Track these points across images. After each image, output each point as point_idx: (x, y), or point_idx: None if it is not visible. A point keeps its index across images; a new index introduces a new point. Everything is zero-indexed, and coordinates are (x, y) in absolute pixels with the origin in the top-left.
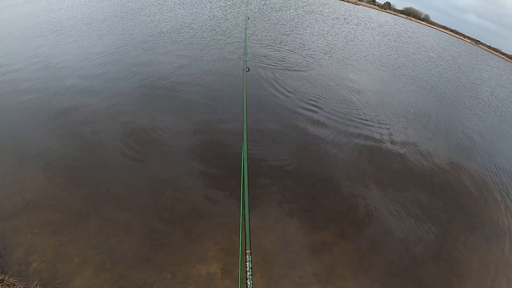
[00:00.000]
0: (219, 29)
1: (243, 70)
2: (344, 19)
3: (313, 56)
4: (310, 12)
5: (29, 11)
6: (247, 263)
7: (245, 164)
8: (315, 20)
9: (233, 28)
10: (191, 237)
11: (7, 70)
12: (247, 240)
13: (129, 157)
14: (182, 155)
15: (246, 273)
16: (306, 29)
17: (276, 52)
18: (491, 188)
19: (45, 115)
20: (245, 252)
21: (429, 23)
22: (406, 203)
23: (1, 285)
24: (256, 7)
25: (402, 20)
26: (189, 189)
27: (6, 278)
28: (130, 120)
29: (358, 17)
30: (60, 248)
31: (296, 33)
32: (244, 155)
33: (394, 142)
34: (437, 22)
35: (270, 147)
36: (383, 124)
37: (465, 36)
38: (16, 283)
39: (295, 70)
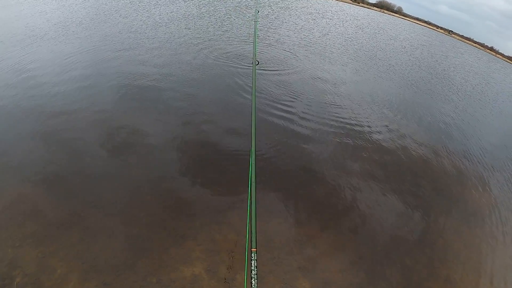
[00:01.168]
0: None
1: (252, 63)
2: (318, 13)
3: (289, 50)
4: (285, 8)
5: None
6: (253, 261)
7: (253, 162)
8: (289, 16)
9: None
10: (173, 239)
11: None
12: (253, 238)
13: (108, 162)
14: (160, 158)
15: (251, 272)
16: (282, 25)
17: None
18: (468, 172)
19: (20, 123)
20: (251, 251)
21: (402, 15)
22: (387, 191)
23: None
24: (232, 6)
25: (375, 13)
26: (168, 191)
27: None
28: (110, 124)
29: (331, 11)
30: (43, 260)
31: (272, 28)
32: (252, 154)
33: (372, 131)
34: (410, 14)
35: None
36: (359, 114)
37: (437, 27)
38: None
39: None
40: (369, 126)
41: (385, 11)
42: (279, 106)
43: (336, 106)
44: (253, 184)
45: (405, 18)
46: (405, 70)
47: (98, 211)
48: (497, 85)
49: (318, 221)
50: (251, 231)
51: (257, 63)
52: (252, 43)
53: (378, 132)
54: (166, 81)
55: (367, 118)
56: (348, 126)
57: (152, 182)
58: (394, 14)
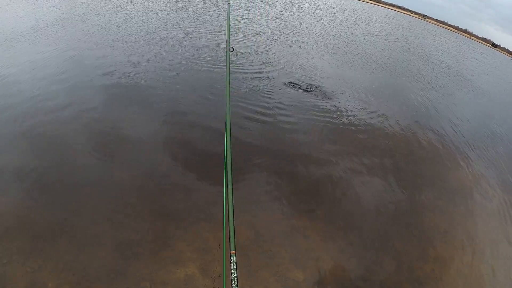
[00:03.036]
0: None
1: (226, 50)
2: (292, 2)
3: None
4: None
5: None
6: (232, 264)
7: (229, 157)
8: (263, 5)
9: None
10: (162, 241)
11: None
12: (231, 240)
13: (89, 167)
14: (143, 159)
15: (231, 274)
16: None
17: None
18: (451, 152)
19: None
20: (230, 253)
21: (376, 2)
22: (373, 175)
23: None
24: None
25: (349, 1)
26: (154, 192)
27: None
28: (89, 125)
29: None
30: (32, 275)
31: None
32: (228, 147)
33: (354, 115)
34: (384, 0)
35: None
36: (340, 99)
37: (412, 12)
38: None
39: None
40: (349, 108)
41: None
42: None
43: (316, 95)
44: (230, 183)
45: (379, 4)
46: (382, 54)
47: (83, 219)
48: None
49: (306, 210)
50: (228, 232)
51: (231, 49)
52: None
53: (361, 117)
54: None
55: (347, 101)
56: (329, 111)
57: (136, 184)
58: (368, 1)
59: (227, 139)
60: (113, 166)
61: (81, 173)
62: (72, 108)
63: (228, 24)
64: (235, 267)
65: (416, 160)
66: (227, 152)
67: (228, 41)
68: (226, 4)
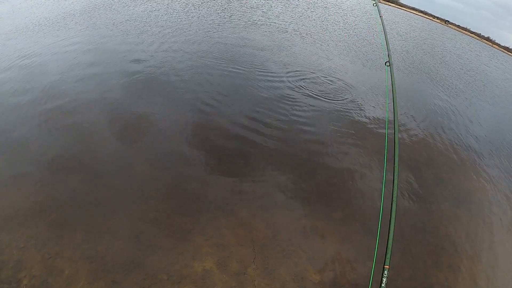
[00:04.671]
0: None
1: (385, 64)
2: (315, 3)
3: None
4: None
5: None
6: (384, 278)
7: (396, 166)
8: (284, 6)
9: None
10: (181, 235)
11: None
12: (388, 255)
13: (110, 159)
14: (165, 150)
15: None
16: (278, 15)
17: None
18: (469, 160)
19: (27, 114)
20: (383, 267)
21: (398, 5)
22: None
23: None
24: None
25: (370, 3)
26: (173, 186)
27: None
28: (116, 113)
29: (326, 1)
30: (49, 261)
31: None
32: (396, 161)
33: (369, 117)
34: (406, 4)
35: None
36: (356, 101)
37: (434, 17)
38: None
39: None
40: (362, 109)
41: (381, 1)
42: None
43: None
44: (395, 197)
45: (401, 8)
46: (402, 58)
47: (102, 209)
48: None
49: (324, 211)
50: (386, 246)
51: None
52: None
53: (377, 120)
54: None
55: (361, 103)
56: (345, 112)
57: (156, 177)
58: (390, 4)
59: (396, 151)
60: (134, 157)
61: (102, 163)
62: (96, 96)
63: (384, 29)
64: (386, 282)
65: (434, 167)
66: (395, 166)
67: (389, 55)
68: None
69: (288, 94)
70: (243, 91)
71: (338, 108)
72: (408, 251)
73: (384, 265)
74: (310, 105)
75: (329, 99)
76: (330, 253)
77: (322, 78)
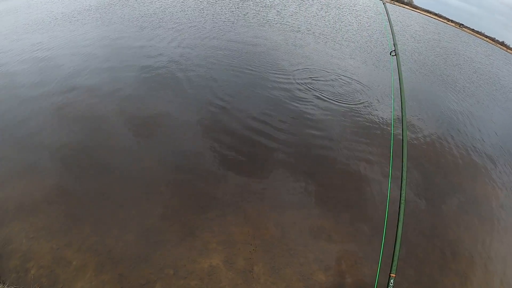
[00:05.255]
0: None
1: (390, 54)
2: (328, 3)
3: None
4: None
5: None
6: (390, 286)
7: (404, 177)
8: (298, 6)
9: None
10: (189, 231)
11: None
12: (394, 263)
13: (121, 153)
14: (177, 147)
15: None
16: (292, 15)
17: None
18: (480, 165)
19: (41, 106)
20: (389, 276)
21: (412, 7)
22: (398, 183)
23: None
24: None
25: (387, 5)
26: (182, 182)
27: (5, 287)
28: (129, 108)
29: (340, 2)
30: (57, 252)
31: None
32: (404, 165)
33: (382, 120)
34: (421, 6)
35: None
36: (368, 103)
37: (448, 20)
38: None
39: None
40: (376, 113)
41: (395, 2)
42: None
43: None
44: (403, 202)
45: (415, 10)
46: (418, 63)
47: (112, 202)
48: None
49: (332, 212)
50: (393, 253)
51: (394, 54)
52: None
53: (387, 121)
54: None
55: (374, 104)
56: (362, 114)
57: (167, 172)
58: (405, 6)
59: (404, 151)
60: (145, 153)
61: (113, 157)
62: (110, 90)
63: (390, 21)
64: None
65: (444, 171)
66: (403, 172)
67: (395, 43)
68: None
69: (299, 96)
70: (254, 91)
71: (350, 111)
72: (414, 255)
73: (390, 273)
74: (321, 107)
75: (341, 102)
76: (337, 254)
77: (335, 79)
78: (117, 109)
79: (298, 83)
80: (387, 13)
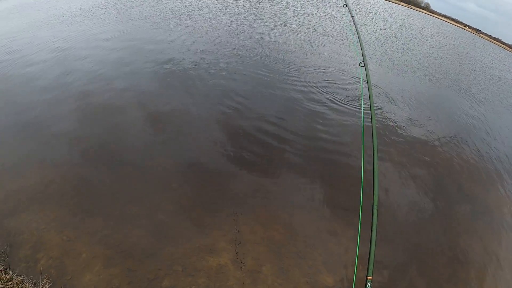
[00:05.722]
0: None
1: (359, 65)
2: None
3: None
4: None
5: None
6: None
7: (376, 176)
8: (315, 6)
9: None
10: (199, 228)
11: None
12: (370, 266)
13: (138, 147)
14: (190, 144)
15: None
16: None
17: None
18: (493, 173)
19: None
20: (366, 279)
21: (429, 12)
22: (411, 189)
23: (9, 284)
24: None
25: (403, 9)
26: (194, 180)
27: (14, 276)
28: (145, 104)
29: (357, 4)
30: (67, 244)
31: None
32: (375, 167)
33: (399, 125)
34: (437, 11)
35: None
36: (383, 107)
37: (465, 25)
38: (25, 281)
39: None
40: (392, 117)
41: (412, 6)
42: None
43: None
44: (375, 205)
45: (432, 14)
46: (432, 68)
47: (123, 197)
48: None
49: (343, 215)
50: (369, 257)
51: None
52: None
53: (404, 127)
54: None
55: (390, 110)
56: (380, 118)
57: (179, 170)
58: (421, 10)
59: (375, 158)
60: (159, 149)
61: (127, 151)
62: (127, 85)
63: (358, 34)
64: None
65: (457, 178)
66: (375, 172)
67: (363, 54)
68: (350, 17)
69: (313, 98)
70: (269, 93)
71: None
72: (423, 261)
73: (367, 276)
74: (334, 111)
75: (354, 107)
76: (346, 258)
77: (349, 82)
78: (133, 104)
79: (312, 86)
80: (355, 26)
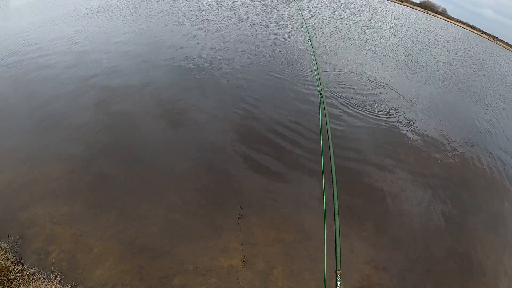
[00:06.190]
0: None
1: (318, 96)
2: (362, 10)
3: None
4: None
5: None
6: (338, 282)
7: (334, 175)
8: (332, 10)
9: None
10: (211, 228)
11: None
12: (337, 259)
13: (153, 145)
14: (206, 144)
15: None
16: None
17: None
18: (507, 182)
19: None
20: (336, 273)
21: (446, 17)
22: (425, 196)
23: (20, 275)
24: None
25: (420, 14)
26: (208, 179)
27: (26, 268)
28: (158, 107)
29: (374, 8)
30: (79, 238)
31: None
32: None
33: (415, 131)
34: (454, 17)
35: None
36: (398, 112)
37: (482, 32)
38: (36, 273)
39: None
40: (410, 124)
41: (429, 12)
42: None
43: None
44: (336, 198)
45: (449, 20)
46: (448, 74)
47: (137, 194)
48: None
49: (356, 221)
50: (335, 253)
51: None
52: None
53: (421, 135)
54: None
55: (408, 118)
56: (391, 123)
57: (194, 168)
58: (438, 15)
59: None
60: (174, 147)
61: (142, 149)
62: (144, 83)
63: (318, 70)
64: (340, 286)
65: (471, 187)
66: (333, 173)
67: (320, 87)
68: (307, 41)
69: (328, 103)
70: (284, 97)
71: (380, 124)
72: (433, 270)
73: (336, 270)
74: (349, 116)
75: (371, 113)
76: (357, 263)
77: (365, 88)
78: (149, 102)
79: (326, 91)
80: (315, 60)
